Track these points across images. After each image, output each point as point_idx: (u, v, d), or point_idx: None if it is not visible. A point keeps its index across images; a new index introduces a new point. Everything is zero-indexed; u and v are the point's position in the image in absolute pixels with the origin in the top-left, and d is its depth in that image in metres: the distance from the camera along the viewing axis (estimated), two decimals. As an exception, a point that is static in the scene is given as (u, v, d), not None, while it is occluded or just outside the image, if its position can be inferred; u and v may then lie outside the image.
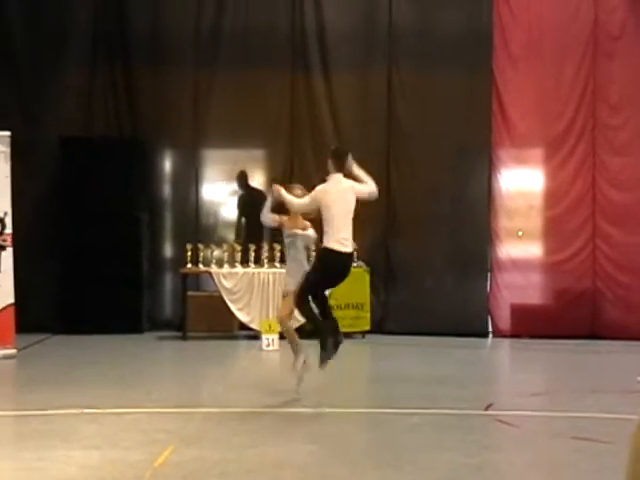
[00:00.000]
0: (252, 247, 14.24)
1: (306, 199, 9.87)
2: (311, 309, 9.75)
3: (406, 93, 15.05)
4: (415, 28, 14.96)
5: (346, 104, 15.12)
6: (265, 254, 14.17)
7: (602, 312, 14.53)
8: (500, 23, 14.74)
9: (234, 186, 15.24)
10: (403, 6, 15.00)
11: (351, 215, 9.74)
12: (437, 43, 14.83)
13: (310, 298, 9.70)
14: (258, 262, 14.21)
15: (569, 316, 14.42)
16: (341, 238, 9.60)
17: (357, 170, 9.90)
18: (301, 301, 9.74)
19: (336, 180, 9.78)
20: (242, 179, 15.06)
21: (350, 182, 9.82)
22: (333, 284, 10.29)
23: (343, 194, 9.70)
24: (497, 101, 14.77)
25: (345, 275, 9.86)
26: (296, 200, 9.93)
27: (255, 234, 14.46)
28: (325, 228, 9.72)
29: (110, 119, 15.17)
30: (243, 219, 15.12)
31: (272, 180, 15.09)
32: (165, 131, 15.19)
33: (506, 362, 13.93)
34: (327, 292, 10.27)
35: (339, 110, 15.14)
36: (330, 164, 9.84)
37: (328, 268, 9.75)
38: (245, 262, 14.23)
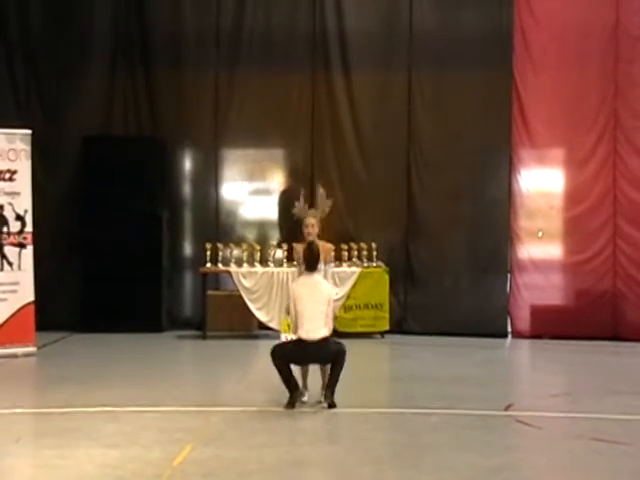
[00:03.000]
0: (272, 246, 14.33)
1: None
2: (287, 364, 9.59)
3: (426, 94, 15.01)
4: (435, 29, 14.91)
5: (366, 105, 15.11)
6: (285, 253, 14.23)
7: (623, 313, 14.42)
8: (521, 25, 14.68)
9: (253, 185, 15.33)
10: (424, 8, 14.96)
11: (322, 309, 9.62)
12: (457, 45, 14.77)
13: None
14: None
15: (590, 317, 14.34)
16: (307, 329, 9.54)
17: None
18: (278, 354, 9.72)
19: (311, 281, 9.76)
20: None
21: (326, 287, 9.81)
22: (299, 363, 9.79)
23: (314, 297, 9.65)
24: (517, 102, 14.71)
25: (309, 360, 9.68)
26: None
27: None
28: (296, 319, 9.70)
29: (131, 118, 15.23)
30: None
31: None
32: (185, 130, 15.23)
33: (526, 363, 13.87)
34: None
35: (359, 111, 15.13)
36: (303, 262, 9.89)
37: (294, 350, 9.70)
38: (264, 261, 14.26)
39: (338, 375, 9.60)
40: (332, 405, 9.46)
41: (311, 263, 9.81)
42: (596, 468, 7.56)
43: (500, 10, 14.77)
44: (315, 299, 9.67)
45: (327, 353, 9.63)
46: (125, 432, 8.44)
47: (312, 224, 10.52)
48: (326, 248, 10.38)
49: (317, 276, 9.85)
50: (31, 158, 12.66)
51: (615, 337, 14.30)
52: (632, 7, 14.48)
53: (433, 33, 14.93)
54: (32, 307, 12.49)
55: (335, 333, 13.84)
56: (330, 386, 9.58)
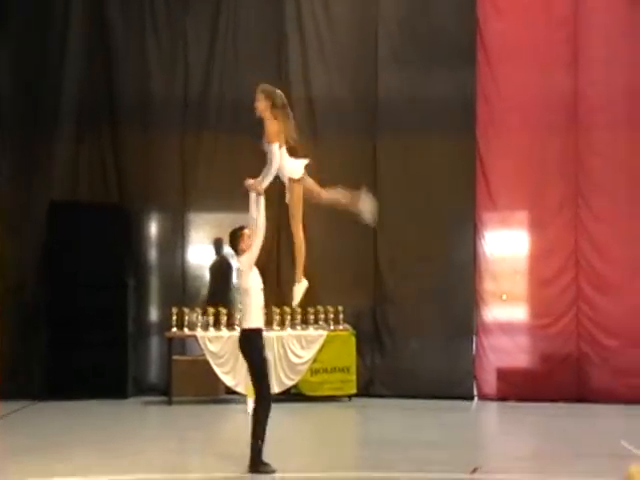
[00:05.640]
0: (238, 310, 14.30)
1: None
2: None
3: (392, 159, 15.16)
4: (401, 96, 15.11)
5: (333, 170, 15.13)
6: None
7: (588, 376, 14.46)
8: (483, 92, 14.95)
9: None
10: (389, 75, 15.18)
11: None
12: (422, 111, 14.98)
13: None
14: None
15: (555, 380, 14.40)
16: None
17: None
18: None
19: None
20: (217, 245, 15.32)
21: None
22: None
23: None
24: (480, 167, 14.91)
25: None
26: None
27: (224, 298, 14.90)
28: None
29: (97, 183, 15.24)
30: (213, 284, 15.38)
31: None
32: (152, 195, 15.28)
33: (492, 425, 13.87)
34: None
35: (326, 176, 15.15)
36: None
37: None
38: (230, 325, 14.24)
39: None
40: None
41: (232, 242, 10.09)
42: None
43: (464, 77, 15.00)
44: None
45: None
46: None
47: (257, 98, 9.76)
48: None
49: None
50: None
51: (580, 399, 14.32)
52: (589, 78, 14.73)
53: (398, 100, 15.12)
54: (-4, 377, 12.40)
55: (301, 396, 13.98)
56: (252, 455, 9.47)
